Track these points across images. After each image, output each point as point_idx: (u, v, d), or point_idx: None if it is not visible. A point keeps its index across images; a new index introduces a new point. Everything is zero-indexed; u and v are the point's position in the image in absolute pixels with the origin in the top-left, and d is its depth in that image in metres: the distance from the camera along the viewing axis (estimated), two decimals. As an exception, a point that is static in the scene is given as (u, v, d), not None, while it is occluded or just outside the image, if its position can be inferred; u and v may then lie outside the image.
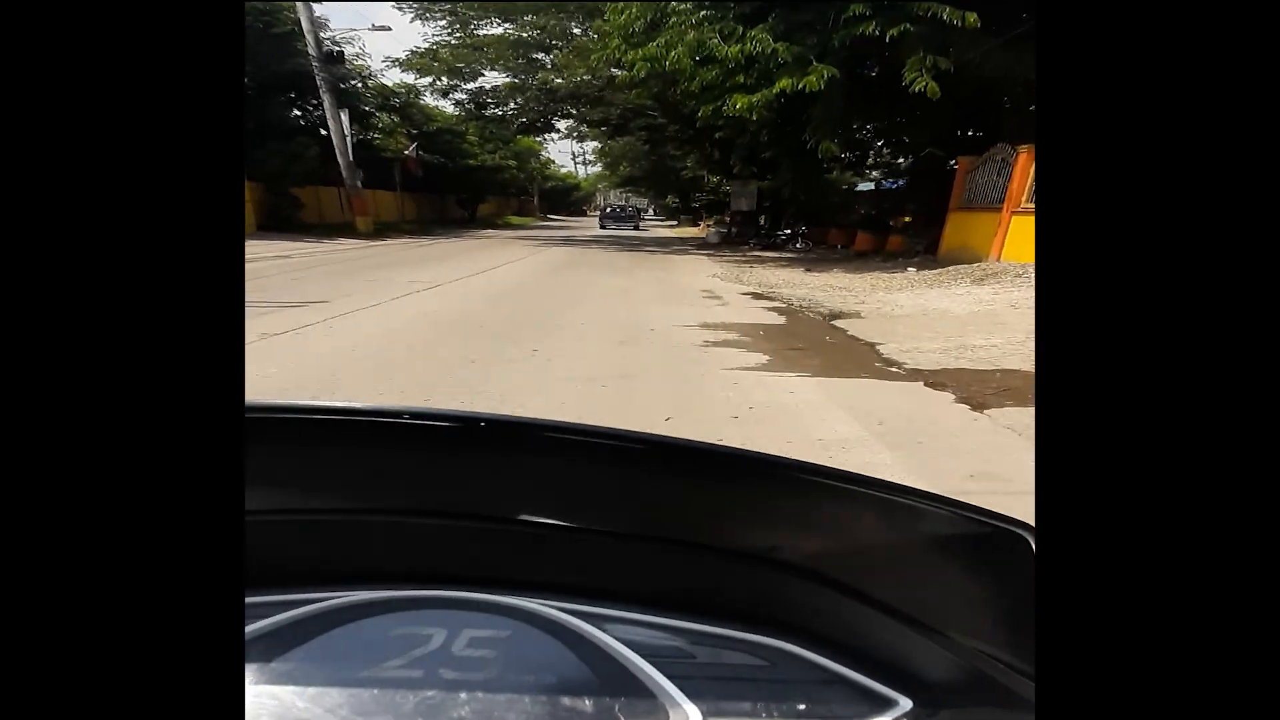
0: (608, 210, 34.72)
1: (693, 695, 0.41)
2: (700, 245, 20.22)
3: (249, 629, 0.43)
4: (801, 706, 0.42)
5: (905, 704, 0.43)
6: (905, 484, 0.46)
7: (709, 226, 32.49)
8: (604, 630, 0.45)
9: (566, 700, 0.40)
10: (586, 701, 0.40)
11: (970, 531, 0.45)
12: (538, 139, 44.73)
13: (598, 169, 53.65)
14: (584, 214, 70.69)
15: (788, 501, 0.49)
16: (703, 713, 0.40)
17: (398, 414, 0.45)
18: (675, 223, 43.66)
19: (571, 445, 0.48)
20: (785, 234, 17.39)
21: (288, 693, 0.39)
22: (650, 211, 57.14)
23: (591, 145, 37.23)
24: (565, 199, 66.73)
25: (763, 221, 20.66)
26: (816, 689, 0.44)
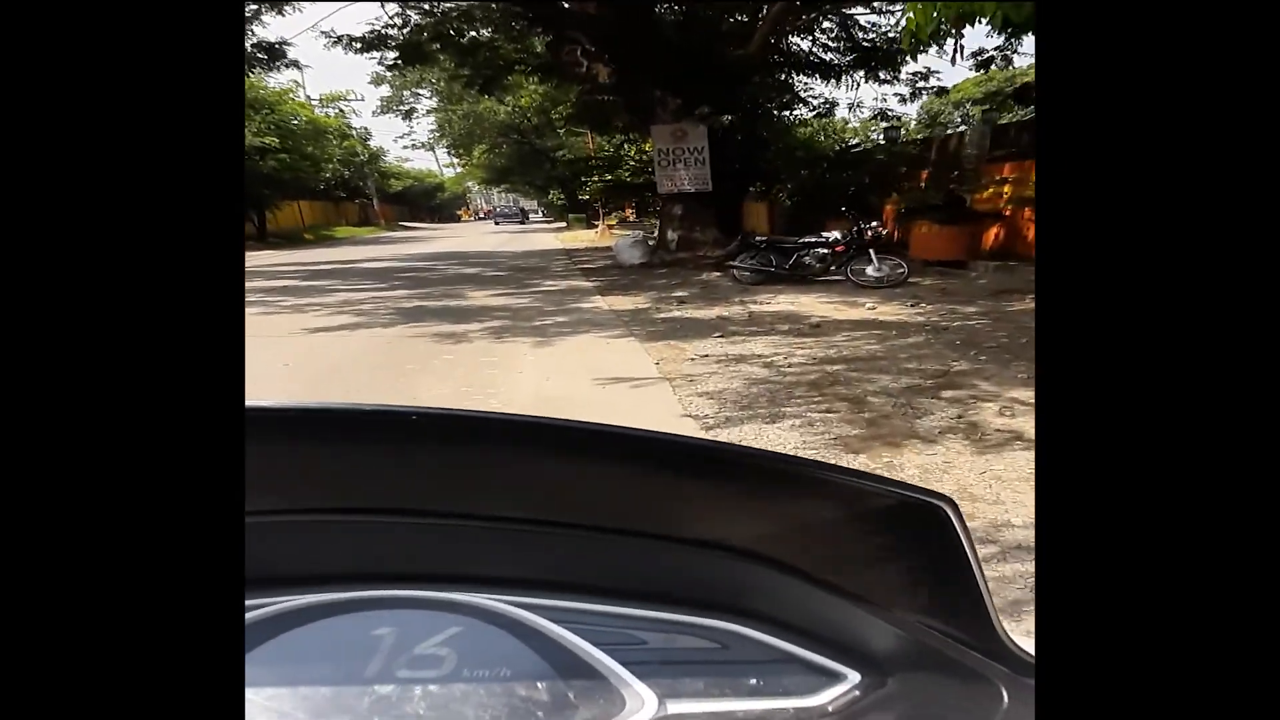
0: (499, 210, 43.51)
1: (647, 679, 0.42)
2: (607, 270, 10.56)
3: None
4: (754, 683, 0.44)
5: (854, 677, 0.45)
6: (838, 464, 0.48)
7: (611, 229, 23.13)
8: (557, 622, 0.45)
9: (522, 691, 0.41)
10: (543, 691, 0.41)
11: (897, 505, 0.47)
12: (346, 118, 34.04)
13: (454, 167, 43.25)
14: (457, 219, 59.72)
15: (731, 486, 0.49)
16: (658, 695, 0.42)
17: (338, 411, 0.45)
18: (564, 224, 34.17)
19: (513, 436, 0.48)
20: (826, 243, 7.84)
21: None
22: (539, 212, 49.19)
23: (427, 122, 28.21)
24: (427, 202, 55.50)
25: (750, 231, 10.29)
26: (768, 667, 0.46)
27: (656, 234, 12.35)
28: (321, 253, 16.68)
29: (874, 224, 7.64)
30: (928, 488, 0.45)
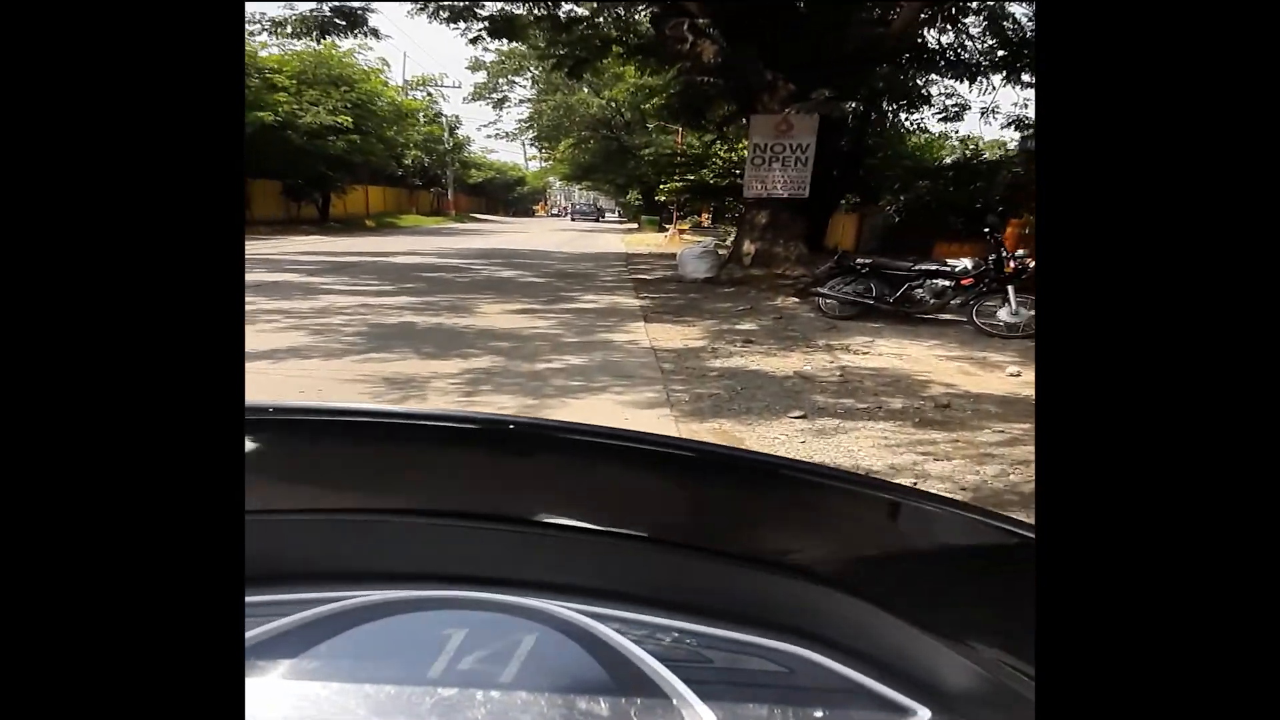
0: (577, 208, 46.42)
1: (709, 700, 0.41)
2: (664, 283, 8.85)
3: (266, 628, 0.43)
4: (819, 714, 0.43)
5: (924, 713, 0.42)
6: (918, 488, 0.46)
7: (683, 233, 21.44)
8: (621, 633, 0.45)
9: (582, 703, 0.40)
10: (602, 704, 0.40)
11: (981, 536, 0.46)
12: (435, 103, 33.35)
13: (540, 162, 42.39)
14: (532, 214, 59.37)
15: (804, 505, 0.49)
16: (718, 718, 0.40)
17: (420, 416, 0.50)
18: (635, 225, 32.74)
19: (589, 447, 0.50)
20: (950, 272, 5.78)
21: (303, 690, 0.39)
22: (615, 212, 49.38)
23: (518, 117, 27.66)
24: (506, 195, 55.15)
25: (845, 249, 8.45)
26: (834, 696, 0.44)
27: (731, 244, 10.54)
28: (366, 242, 15.58)
29: (1019, 252, 5.62)
30: (1026, 523, 0.43)
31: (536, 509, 0.48)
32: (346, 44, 20.22)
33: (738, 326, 5.57)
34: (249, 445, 0.49)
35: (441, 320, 5.43)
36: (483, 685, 0.40)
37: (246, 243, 14.69)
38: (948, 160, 11.11)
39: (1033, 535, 0.42)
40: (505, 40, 11.45)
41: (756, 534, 0.48)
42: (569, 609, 0.46)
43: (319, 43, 13.69)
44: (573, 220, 43.99)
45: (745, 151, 9.24)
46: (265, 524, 0.47)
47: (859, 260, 6.13)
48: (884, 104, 11.47)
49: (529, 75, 29.04)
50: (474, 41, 10.83)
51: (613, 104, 27.02)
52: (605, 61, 11.83)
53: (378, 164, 24.16)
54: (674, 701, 0.40)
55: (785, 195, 8.76)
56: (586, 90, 27.58)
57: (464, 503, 0.49)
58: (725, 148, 13.85)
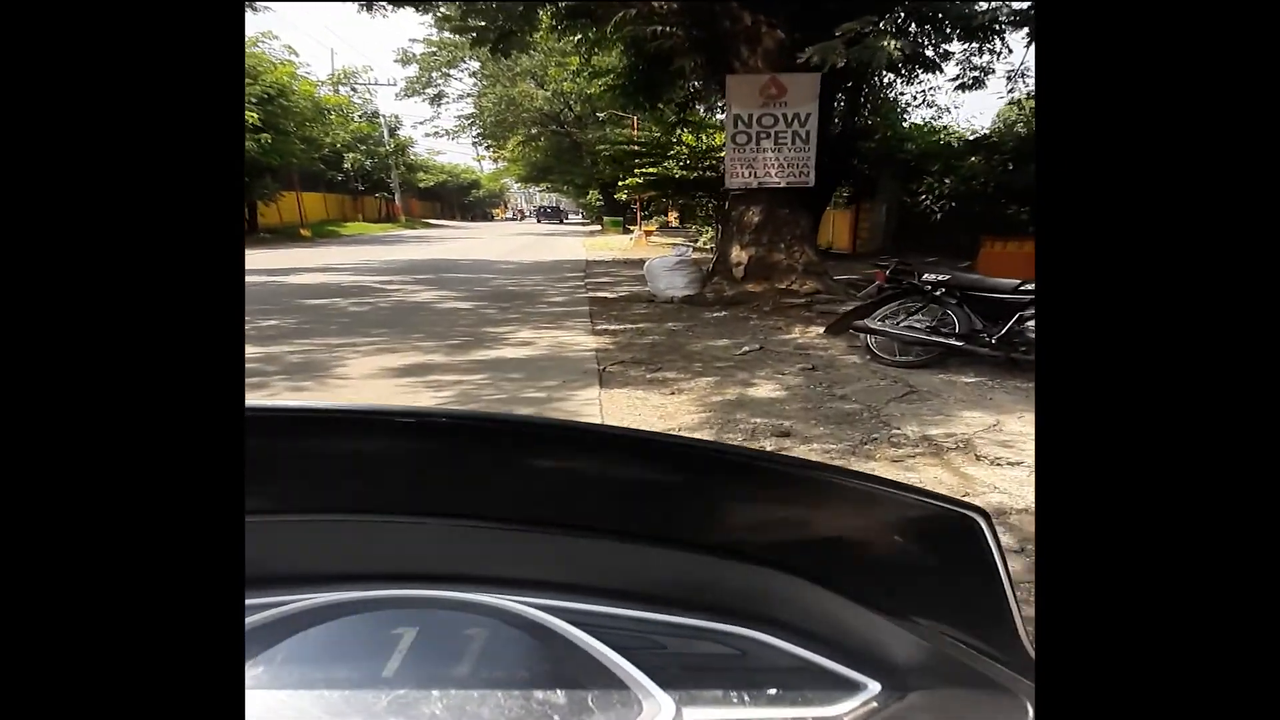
0: (543, 209, 47.42)
1: (666, 685, 0.42)
2: (630, 305, 6.70)
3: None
4: (773, 692, 0.44)
5: (874, 687, 0.44)
6: (864, 471, 0.46)
7: (650, 235, 19.32)
8: (576, 625, 0.45)
9: (540, 694, 0.40)
10: (560, 695, 0.41)
11: (928, 516, 0.47)
12: (367, 104, 30.66)
13: (493, 164, 39.97)
14: (491, 218, 56.92)
15: (756, 492, 0.50)
16: (676, 702, 0.41)
17: (368, 412, 0.48)
18: (598, 226, 30.63)
19: (537, 438, 0.50)
20: None
21: (259, 695, 0.39)
22: (580, 213, 48.48)
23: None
24: (461, 199, 52.37)
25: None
26: (788, 675, 0.45)
27: (714, 250, 8.36)
28: (283, 255, 13.06)
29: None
30: (961, 499, 0.45)
31: (485, 504, 0.48)
32: (249, 33, 17.65)
33: (753, 392, 3.45)
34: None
35: (271, 389, 3.23)
36: (439, 682, 0.40)
37: None
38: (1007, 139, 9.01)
39: (967, 511, 0.44)
40: (412, 8, 9.09)
41: (706, 520, 0.49)
42: (520, 603, 0.46)
43: None
44: (538, 222, 45.90)
45: (721, 132, 7.02)
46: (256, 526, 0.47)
47: (929, 275, 4.02)
48: (880, 69, 9.01)
49: (464, 68, 27.02)
50: (369, 5, 8.49)
51: (559, 96, 25.09)
52: (536, 35, 9.48)
53: (303, 166, 21.46)
54: (632, 690, 0.41)
55: (782, 183, 6.63)
56: (530, 82, 25.63)
57: (411, 500, 0.49)
58: (690, 133, 11.64)
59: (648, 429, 1.13)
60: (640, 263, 12.23)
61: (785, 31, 6.29)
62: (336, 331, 4.94)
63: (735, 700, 0.43)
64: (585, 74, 11.10)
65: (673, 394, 3.37)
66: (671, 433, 0.60)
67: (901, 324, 3.95)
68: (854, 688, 0.44)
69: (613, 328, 5.24)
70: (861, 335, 4.17)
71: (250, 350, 4.23)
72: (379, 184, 32.42)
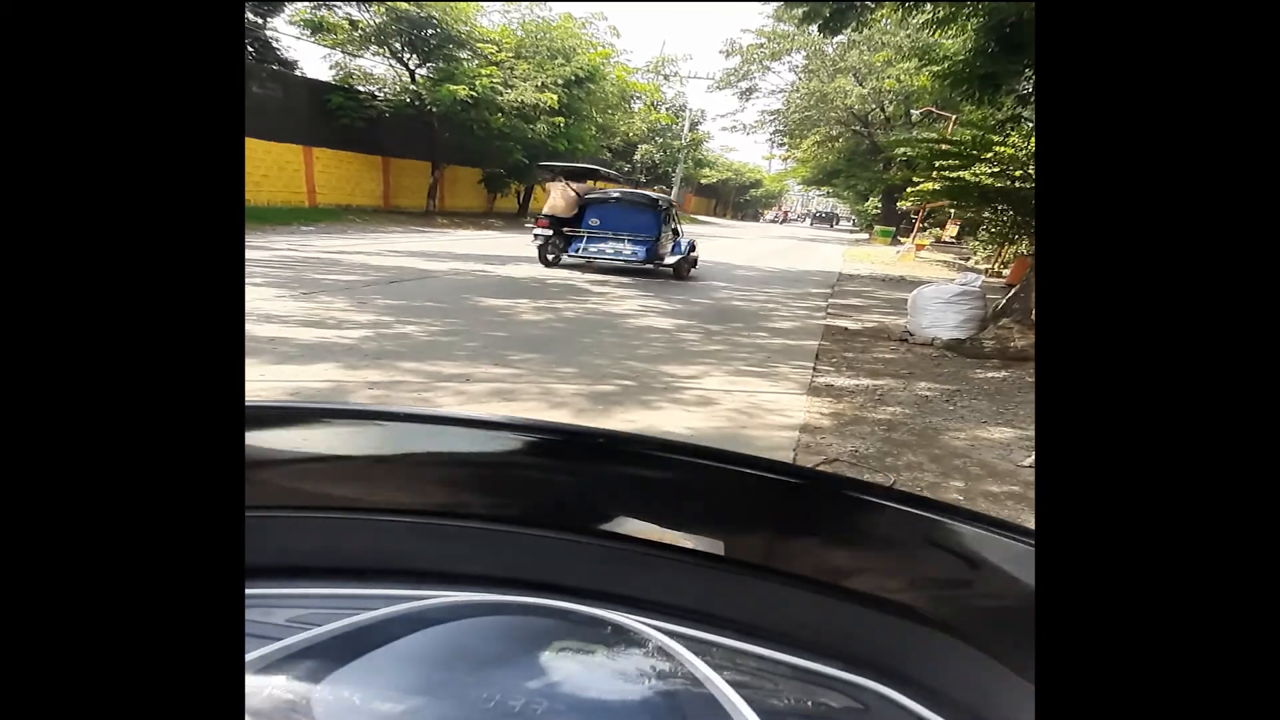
0: (818, 215, 50.11)
1: None
2: (875, 343, 5.19)
3: (353, 620, 0.43)
4: None
5: None
6: (1009, 520, 0.44)
7: (921, 250, 16.78)
8: (697, 654, 0.44)
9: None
10: None
11: None
12: (679, 97, 30.88)
13: (781, 163, 38.85)
14: (758, 217, 56.36)
15: (897, 537, 0.49)
16: None
17: (522, 426, 0.49)
18: (865, 235, 28.19)
19: (678, 465, 0.50)
20: None
21: (364, 690, 0.39)
22: (851, 220, 46.91)
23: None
24: (738, 197, 52.23)
25: None
26: None
27: (1010, 278, 6.38)
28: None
29: None
30: None
31: (622, 522, 0.48)
32: (582, 10, 18.06)
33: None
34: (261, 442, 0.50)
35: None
36: (553, 695, 0.39)
37: (432, 232, 12.57)
38: None
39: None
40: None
41: (843, 563, 0.48)
42: (645, 624, 0.45)
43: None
44: (812, 226, 49.49)
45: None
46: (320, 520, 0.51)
47: None
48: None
49: (786, 61, 26.44)
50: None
51: (875, 94, 23.65)
52: (879, 14, 8.04)
53: (591, 155, 21.64)
54: None
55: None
56: (850, 78, 24.29)
57: (550, 513, 0.49)
58: (1013, 135, 9.31)
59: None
60: (901, 281, 10.32)
61: None
62: (468, 355, 3.94)
63: None
64: (922, 59, 9.46)
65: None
66: (815, 469, 0.44)
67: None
68: None
69: (839, 383, 3.82)
70: None
71: (418, 362, 3.64)
72: (662, 177, 32.90)
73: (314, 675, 0.38)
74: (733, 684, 0.40)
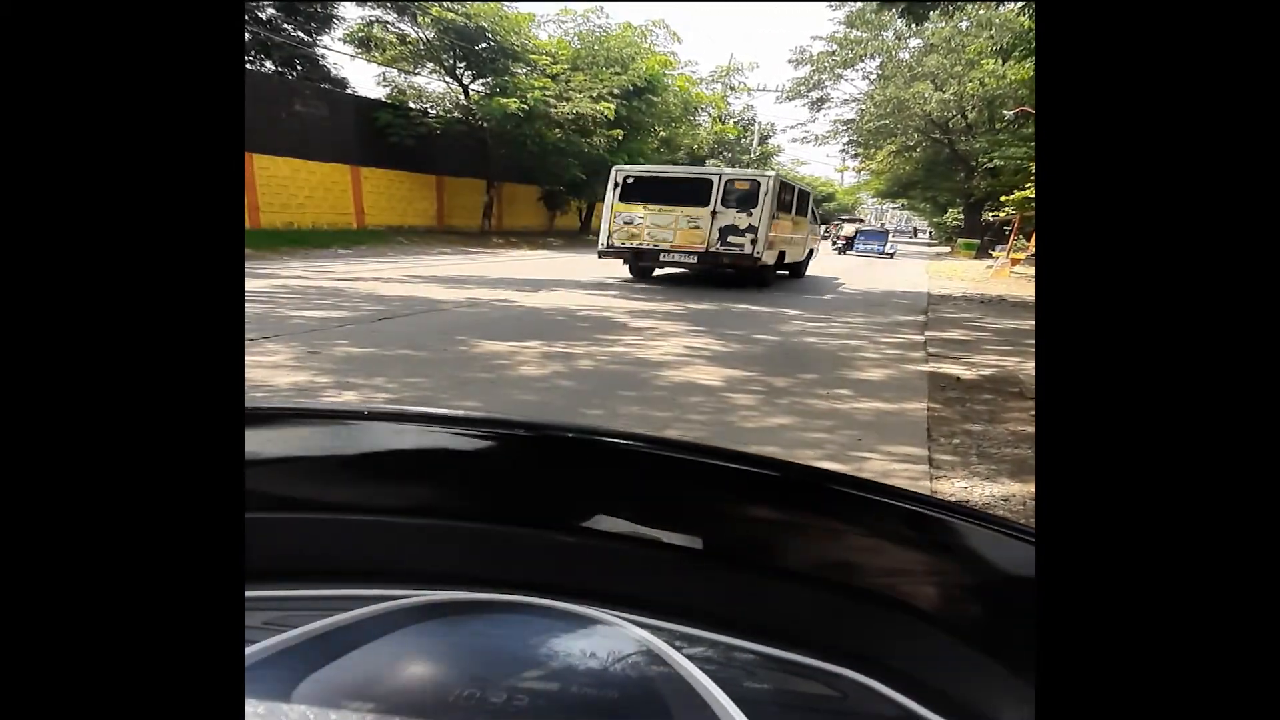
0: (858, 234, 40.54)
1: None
2: (1002, 391, 3.84)
3: (330, 621, 0.43)
4: None
5: None
6: (990, 512, 0.44)
7: (1016, 264, 14.94)
8: (675, 647, 0.44)
9: (628, 715, 0.40)
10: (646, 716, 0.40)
11: None
12: (748, 111, 29.50)
13: (855, 175, 37.09)
14: (825, 234, 54.90)
15: (877, 528, 0.49)
16: None
17: (495, 421, 0.50)
18: (947, 248, 26.19)
19: (651, 459, 0.50)
20: None
21: (342, 691, 0.39)
22: (928, 234, 45.48)
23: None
24: (804, 210, 50.51)
25: None
26: None
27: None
28: (592, 264, 12.12)
29: None
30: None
31: (598, 518, 0.48)
32: (641, 18, 17.26)
33: None
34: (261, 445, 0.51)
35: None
36: (530, 690, 0.39)
37: (482, 253, 11.73)
38: None
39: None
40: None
41: (817, 553, 0.48)
42: (625, 620, 0.46)
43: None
44: (852, 249, 47.82)
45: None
46: (307, 522, 0.51)
47: None
48: None
49: (859, 68, 25.09)
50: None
51: (956, 99, 22.24)
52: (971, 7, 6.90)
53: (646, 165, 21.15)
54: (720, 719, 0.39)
55: None
56: (928, 83, 22.91)
57: (526, 510, 0.49)
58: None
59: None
60: (1002, 303, 8.68)
61: None
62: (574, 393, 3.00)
63: None
64: (1018, 53, 8.20)
65: None
66: (798, 461, 0.48)
67: None
68: None
69: (978, 491, 2.49)
70: None
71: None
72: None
73: (292, 677, 0.37)
74: (714, 677, 0.40)
